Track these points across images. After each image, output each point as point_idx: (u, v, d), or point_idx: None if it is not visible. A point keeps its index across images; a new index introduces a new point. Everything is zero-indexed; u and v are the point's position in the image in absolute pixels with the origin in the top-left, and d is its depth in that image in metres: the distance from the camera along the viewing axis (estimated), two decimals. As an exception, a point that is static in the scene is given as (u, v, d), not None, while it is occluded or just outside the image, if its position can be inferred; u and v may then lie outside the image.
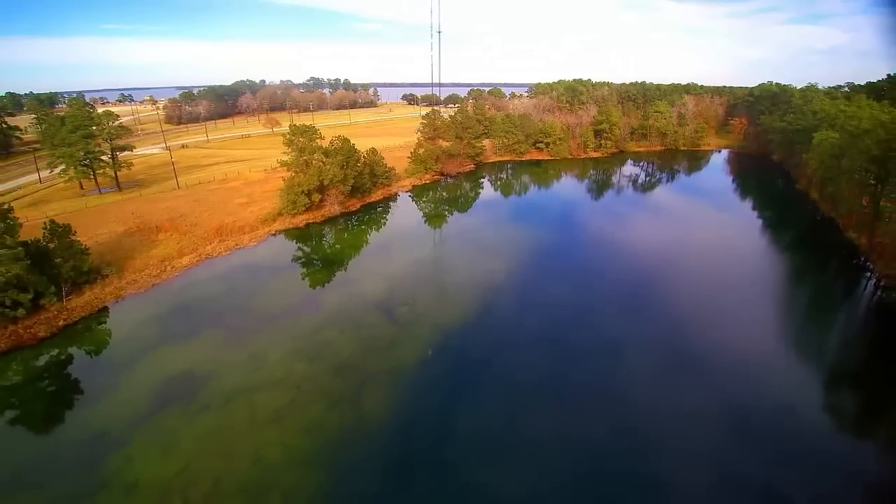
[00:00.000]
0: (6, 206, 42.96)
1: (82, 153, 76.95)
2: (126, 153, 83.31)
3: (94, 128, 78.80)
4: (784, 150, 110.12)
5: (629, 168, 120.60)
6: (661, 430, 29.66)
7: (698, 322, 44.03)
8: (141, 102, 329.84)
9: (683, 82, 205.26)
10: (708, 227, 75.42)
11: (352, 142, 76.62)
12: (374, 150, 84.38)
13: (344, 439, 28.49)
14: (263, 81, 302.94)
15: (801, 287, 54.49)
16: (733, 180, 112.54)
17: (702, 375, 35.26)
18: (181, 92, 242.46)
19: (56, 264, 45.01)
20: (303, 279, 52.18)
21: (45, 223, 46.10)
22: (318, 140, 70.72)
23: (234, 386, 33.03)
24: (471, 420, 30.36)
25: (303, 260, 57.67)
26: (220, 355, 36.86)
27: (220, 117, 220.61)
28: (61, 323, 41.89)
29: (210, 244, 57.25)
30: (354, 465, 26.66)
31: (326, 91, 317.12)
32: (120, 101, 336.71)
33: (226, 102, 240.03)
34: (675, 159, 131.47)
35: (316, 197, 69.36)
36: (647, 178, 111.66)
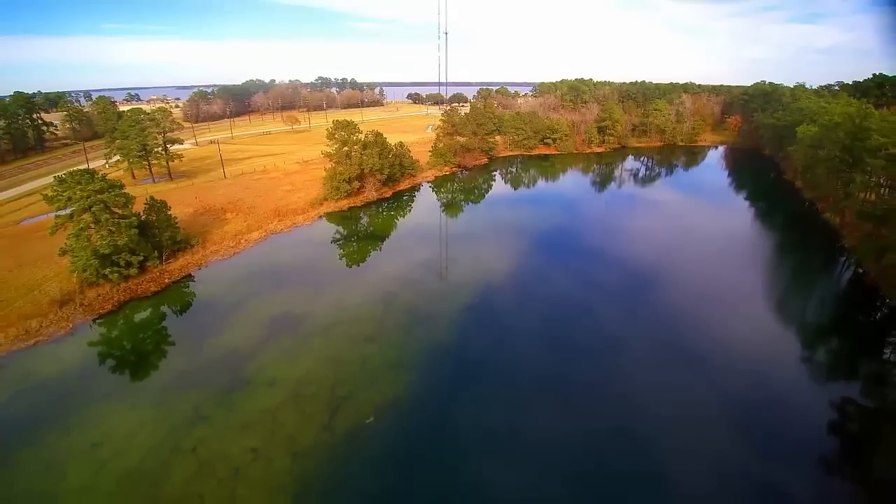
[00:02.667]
0: (119, 182, 51.59)
1: (139, 145, 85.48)
2: (177, 146, 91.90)
3: (150, 122, 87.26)
4: (773, 144, 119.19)
5: (630, 162, 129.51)
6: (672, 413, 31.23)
7: (696, 300, 50.11)
8: (148, 101, 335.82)
9: (682, 81, 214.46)
10: (703, 215, 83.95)
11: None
12: (401, 144, 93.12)
13: (423, 352, 37.33)
14: (273, 81, 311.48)
15: (787, 264, 62.11)
16: (728, 174, 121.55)
17: (700, 356, 37.82)
18: (194, 91, 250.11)
19: (156, 233, 53.71)
20: (357, 250, 60.90)
21: (146, 199, 54.62)
22: (356, 134, 79.33)
23: (327, 321, 41.79)
24: (515, 340, 39.29)
25: (353, 235, 66.39)
26: (308, 302, 45.56)
27: (236, 115, 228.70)
28: (167, 280, 50.57)
29: (272, 223, 65.88)
30: (434, 367, 35.53)
31: (334, 90, 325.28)
32: (127, 101, 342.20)
33: (240, 101, 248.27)
34: (674, 154, 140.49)
35: (356, 184, 78.09)
36: (648, 172, 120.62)
